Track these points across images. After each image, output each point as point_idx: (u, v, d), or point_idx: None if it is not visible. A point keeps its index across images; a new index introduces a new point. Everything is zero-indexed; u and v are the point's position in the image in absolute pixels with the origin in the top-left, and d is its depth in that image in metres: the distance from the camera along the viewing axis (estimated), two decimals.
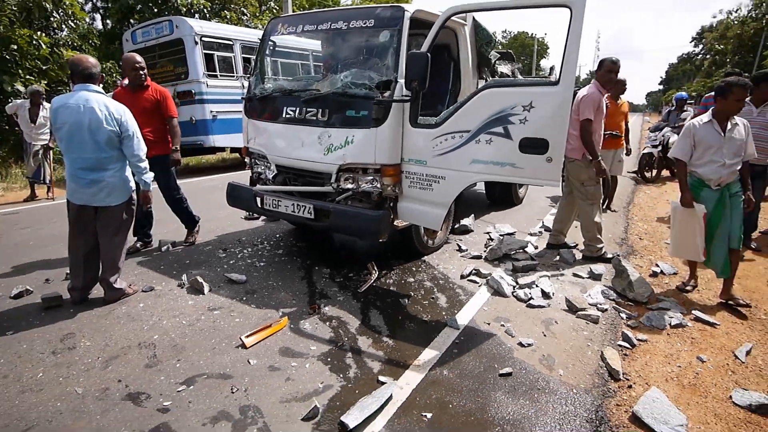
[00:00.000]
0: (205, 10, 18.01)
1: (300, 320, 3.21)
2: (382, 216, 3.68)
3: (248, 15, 20.43)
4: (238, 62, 10.11)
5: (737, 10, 43.82)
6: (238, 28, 11.60)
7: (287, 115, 4.10)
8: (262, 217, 5.67)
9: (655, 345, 3.03)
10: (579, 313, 3.36)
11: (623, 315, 3.41)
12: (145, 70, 4.24)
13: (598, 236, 4.51)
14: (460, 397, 2.42)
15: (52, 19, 11.73)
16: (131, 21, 20.06)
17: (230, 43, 9.95)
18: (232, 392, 2.41)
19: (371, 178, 3.77)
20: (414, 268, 4.24)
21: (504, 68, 6.06)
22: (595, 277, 4.04)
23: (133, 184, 3.45)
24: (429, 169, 3.58)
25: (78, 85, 3.20)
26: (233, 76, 10.01)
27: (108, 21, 20.07)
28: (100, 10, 20.50)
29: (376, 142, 3.64)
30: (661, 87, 60.29)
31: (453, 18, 3.68)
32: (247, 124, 4.51)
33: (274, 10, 21.60)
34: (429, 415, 2.27)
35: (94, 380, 2.48)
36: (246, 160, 4.65)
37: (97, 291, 3.46)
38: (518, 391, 2.49)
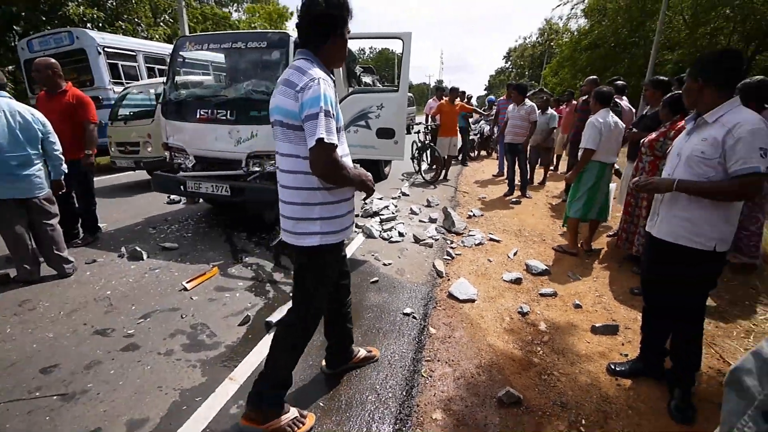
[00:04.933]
0: (98, 20, 15.65)
1: (228, 268, 3.48)
2: None
3: (143, 26, 18.19)
4: (143, 71, 9.25)
5: (530, 36, 50.19)
6: (141, 41, 10.48)
7: (201, 116, 4.17)
8: (183, 201, 5.59)
9: (465, 256, 3.92)
10: (421, 242, 4.14)
11: (448, 241, 4.29)
12: (58, 74, 3.65)
13: None
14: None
15: None
16: (16, 28, 16.63)
17: (133, 53, 9.05)
18: (182, 318, 2.68)
19: (274, 161, 4.09)
20: None
21: (367, 79, 6.64)
22: (432, 221, 4.89)
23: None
24: None
25: None
26: (139, 83, 9.14)
27: None
28: None
29: None
30: (486, 92, 66.24)
31: None
32: (165, 124, 4.45)
33: (169, 22, 19.51)
34: None
35: (61, 327, 2.54)
36: (166, 153, 4.59)
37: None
38: (382, 290, 3.14)
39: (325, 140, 1.41)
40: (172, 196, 5.74)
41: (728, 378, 0.50)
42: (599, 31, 18.64)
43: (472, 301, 3.01)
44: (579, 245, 4.00)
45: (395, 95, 3.86)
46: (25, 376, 2.09)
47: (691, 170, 1.76)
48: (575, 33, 22.89)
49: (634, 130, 3.89)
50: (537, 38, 46.27)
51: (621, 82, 5.40)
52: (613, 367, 2.25)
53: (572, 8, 21.57)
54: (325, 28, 1.51)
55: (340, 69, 5.12)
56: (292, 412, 1.78)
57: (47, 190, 3.16)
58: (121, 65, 8.79)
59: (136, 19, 17.74)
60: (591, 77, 5.91)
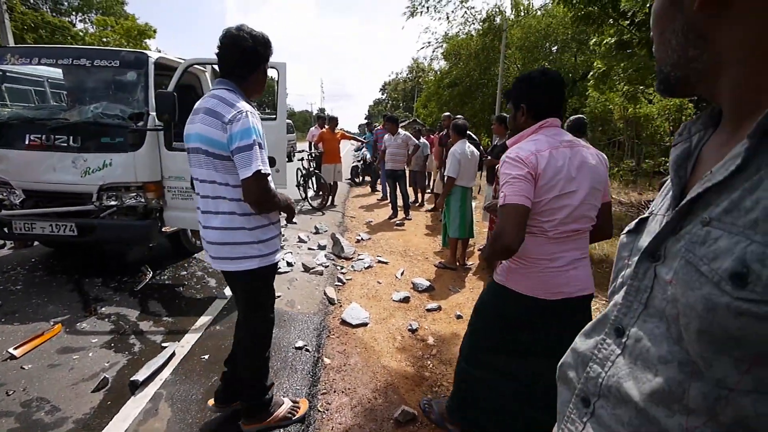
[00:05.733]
0: None
1: (76, 323, 2.88)
2: (151, 224, 3.58)
3: None
4: None
5: (401, 72, 55.26)
6: None
7: (32, 142, 3.46)
8: (9, 245, 4.48)
9: (356, 280, 4.00)
10: (311, 270, 4.09)
11: (338, 267, 4.32)
12: None
13: None
14: (230, 340, 2.74)
15: None
16: None
17: None
18: (8, 395, 2.11)
19: (135, 194, 3.59)
20: (186, 264, 4.20)
21: None
22: (321, 247, 4.89)
23: None
24: (187, 182, 3.68)
25: None
26: None
27: None
28: None
29: (135, 163, 3.50)
30: (366, 120, 70.13)
31: (195, 67, 3.85)
32: None
33: None
34: (206, 356, 2.54)
35: None
36: None
37: None
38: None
39: (262, 171, 1.51)
40: None
41: (558, 374, 0.62)
42: (456, 72, 21.57)
43: (365, 324, 3.07)
44: (456, 261, 4.45)
45: (274, 123, 3.80)
46: None
47: None
48: (438, 72, 26.07)
49: (489, 157, 4.58)
50: (407, 74, 51.19)
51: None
52: None
53: (434, 51, 24.61)
54: (251, 62, 1.63)
55: None
56: (286, 402, 2.01)
57: None
58: None
59: None
60: (446, 113, 6.97)
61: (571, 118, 3.94)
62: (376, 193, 9.38)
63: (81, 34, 21.37)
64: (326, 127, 7.75)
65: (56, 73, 6.44)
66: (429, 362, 2.64)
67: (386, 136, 6.87)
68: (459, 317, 3.27)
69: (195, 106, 1.66)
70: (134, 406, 2.06)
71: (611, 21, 6.44)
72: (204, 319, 3.01)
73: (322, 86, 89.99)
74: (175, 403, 2.11)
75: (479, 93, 20.53)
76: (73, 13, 27.90)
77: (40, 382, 2.22)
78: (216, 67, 5.09)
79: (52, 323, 2.85)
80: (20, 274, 3.77)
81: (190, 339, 2.72)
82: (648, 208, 0.57)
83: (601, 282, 2.58)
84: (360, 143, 10.83)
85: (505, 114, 4.73)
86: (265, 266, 1.70)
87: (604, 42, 6.94)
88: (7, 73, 4.24)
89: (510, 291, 1.55)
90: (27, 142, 3.47)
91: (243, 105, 1.55)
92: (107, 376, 2.24)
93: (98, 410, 2.04)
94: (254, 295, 1.79)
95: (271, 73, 3.66)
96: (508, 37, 17.52)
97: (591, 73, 8.33)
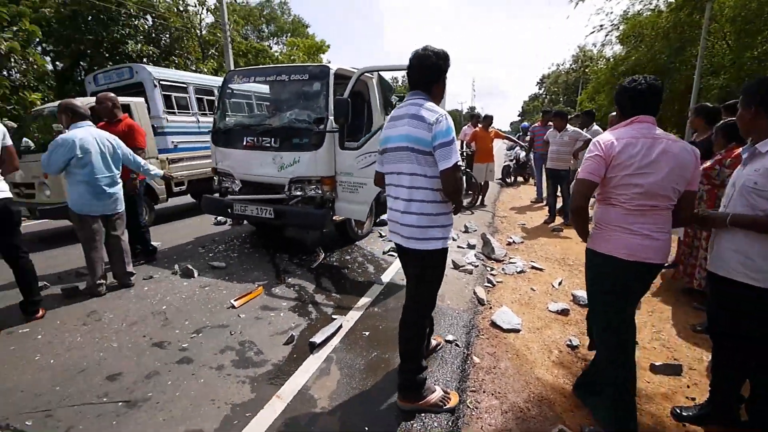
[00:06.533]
0: (153, 56, 17.13)
1: (272, 288, 3.61)
2: (325, 213, 4.19)
3: (193, 59, 19.69)
4: (193, 102, 9.97)
5: (563, 63, 50.03)
6: (191, 74, 11.29)
7: (247, 143, 4.46)
8: (229, 222, 5.88)
9: (507, 284, 3.86)
10: (460, 268, 4.13)
11: (488, 268, 4.25)
12: (116, 106, 4.06)
13: None
14: (386, 322, 3.02)
15: (13, 65, 10.64)
16: (82, 63, 18.44)
17: (185, 85, 9.80)
18: (231, 334, 2.80)
19: (314, 186, 4.26)
20: (349, 250, 4.78)
21: None
22: (471, 246, 4.88)
23: None
24: (355, 178, 4.16)
25: (79, 123, 3.29)
26: (189, 113, 9.87)
27: (58, 63, 18.27)
28: (51, 54, 18.52)
29: (317, 160, 4.14)
30: (519, 118, 65.84)
31: (364, 74, 4.32)
32: (215, 150, 4.78)
33: (215, 56, 21.03)
34: (367, 333, 2.84)
35: (123, 337, 2.73)
36: (215, 177, 4.90)
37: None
38: None
39: (458, 163, 1.81)
40: (219, 218, 6.06)
41: None
42: (636, 57, 18.35)
43: (517, 331, 2.95)
44: None
45: None
46: (95, 382, 2.25)
47: (745, 201, 1.69)
48: (611, 59, 22.64)
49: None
50: (571, 65, 46.09)
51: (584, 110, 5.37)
52: (678, 411, 2.09)
53: (606, 35, 21.44)
54: (435, 75, 1.94)
55: (377, 99, 5.35)
56: (438, 391, 2.15)
57: (123, 208, 3.53)
58: (174, 96, 9.53)
59: (187, 55, 19.27)
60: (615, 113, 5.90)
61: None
62: (527, 188, 8.79)
63: (276, 54, 26.19)
64: (480, 125, 7.65)
65: (259, 87, 8.03)
66: None
67: (549, 131, 6.33)
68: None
69: (393, 114, 2.01)
70: (313, 363, 2.47)
71: None
72: (364, 300, 3.38)
73: (473, 84, 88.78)
74: (342, 368, 2.44)
75: (667, 80, 17.02)
76: (271, 37, 34.40)
77: (249, 329, 2.87)
78: (382, 73, 5.56)
79: (256, 285, 3.63)
80: (235, 246, 4.90)
81: (353, 315, 3.10)
82: None
83: None
84: (513, 143, 10.30)
85: (708, 105, 3.82)
86: (443, 248, 1.96)
87: None
88: (234, 91, 5.54)
89: (594, 252, 1.87)
90: (244, 143, 4.47)
91: (440, 109, 1.85)
92: (294, 334, 2.75)
93: (287, 360, 2.52)
94: (430, 272, 2.03)
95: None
96: (714, 7, 13.99)
97: None
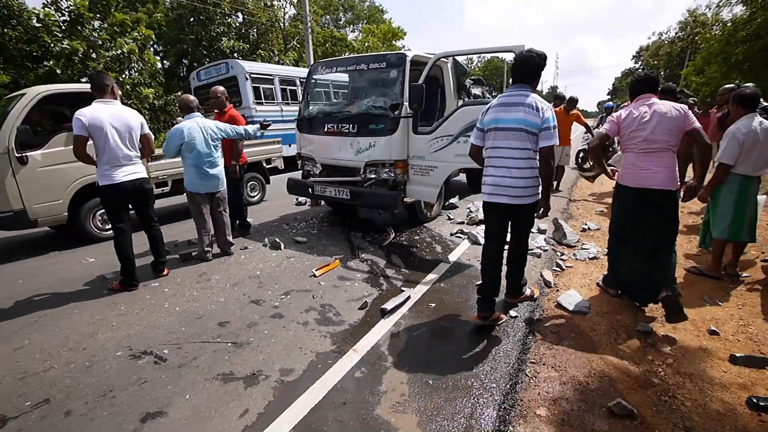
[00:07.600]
0: (243, 51, 18.74)
1: (347, 261, 4.00)
2: (397, 195, 4.46)
3: (276, 52, 21.11)
4: (278, 92, 10.87)
5: (667, 31, 43.98)
6: (277, 66, 12.29)
7: (328, 129, 4.87)
8: (308, 203, 6.46)
9: (577, 269, 3.81)
10: (528, 252, 4.13)
11: (558, 253, 4.20)
12: (226, 97, 4.63)
13: None
14: (451, 296, 3.22)
15: (133, 65, 12.47)
16: (184, 61, 20.80)
17: (271, 77, 10.70)
18: (313, 298, 3.22)
19: (388, 169, 4.54)
20: (418, 231, 5.02)
21: (476, 90, 6.80)
22: (541, 231, 4.81)
23: None
24: (426, 161, 4.35)
25: (190, 114, 3.91)
26: (274, 102, 10.78)
27: (166, 62, 20.84)
28: (160, 54, 21.16)
29: (391, 145, 4.40)
30: (608, 96, 59.74)
31: (439, 60, 4.43)
32: (299, 137, 5.29)
33: (296, 47, 22.28)
34: (433, 305, 3.08)
35: (228, 294, 3.30)
36: (299, 161, 5.42)
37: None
38: None
39: (557, 145, 2.50)
40: (300, 199, 6.68)
41: None
42: (763, 19, 15.60)
43: (584, 313, 2.95)
44: (722, 269, 3.56)
45: None
46: (210, 326, 2.80)
47: None
48: (729, 23, 19.47)
49: None
50: (677, 33, 40.38)
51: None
52: (755, 400, 2.02)
53: None
54: (536, 72, 2.54)
55: (451, 84, 5.42)
56: (527, 289, 3.04)
57: (225, 187, 4.13)
58: (262, 88, 10.48)
59: (271, 47, 20.72)
60: (727, 86, 5.06)
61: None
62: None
63: (353, 43, 26.90)
64: (562, 106, 7.29)
65: (337, 76, 8.48)
66: (660, 369, 2.34)
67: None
68: (713, 333, 2.69)
69: (501, 101, 2.55)
70: (384, 326, 2.78)
71: None
72: (431, 276, 3.60)
73: (557, 61, 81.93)
74: (410, 333, 2.71)
75: None
76: (347, 26, 35.31)
77: (329, 294, 3.27)
78: (458, 58, 5.57)
79: (334, 258, 4.05)
80: (314, 224, 5.41)
81: (421, 289, 3.35)
82: None
83: None
84: (589, 133, 9.54)
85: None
86: (537, 201, 2.64)
87: None
88: (318, 81, 5.99)
89: (617, 184, 2.90)
90: (325, 130, 4.89)
91: (546, 102, 2.48)
92: (367, 300, 3.08)
93: (361, 322, 2.86)
94: (531, 219, 2.75)
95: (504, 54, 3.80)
96: None
97: None
